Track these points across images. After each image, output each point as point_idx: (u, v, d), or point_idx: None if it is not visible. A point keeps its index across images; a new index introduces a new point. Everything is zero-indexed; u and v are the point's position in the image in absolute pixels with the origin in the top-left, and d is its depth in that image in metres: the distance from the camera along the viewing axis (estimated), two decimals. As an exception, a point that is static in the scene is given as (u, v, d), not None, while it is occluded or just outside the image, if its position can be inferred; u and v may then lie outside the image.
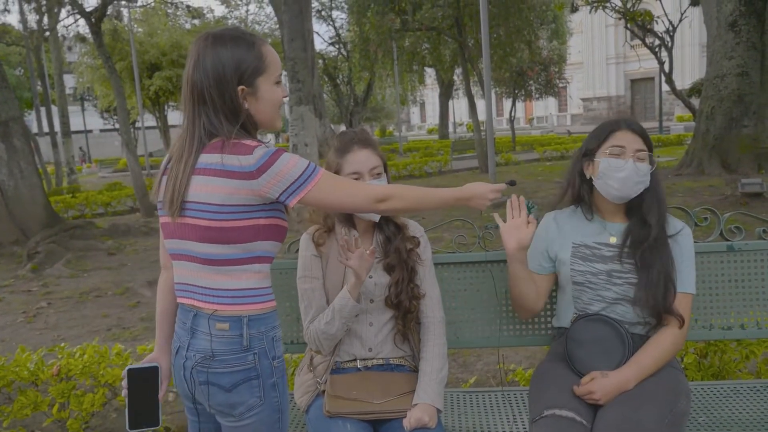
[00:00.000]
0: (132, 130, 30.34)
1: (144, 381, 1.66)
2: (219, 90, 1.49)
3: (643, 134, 1.96)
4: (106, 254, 8.64)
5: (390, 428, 1.91)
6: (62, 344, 3.19)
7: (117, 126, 38.78)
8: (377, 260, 2.06)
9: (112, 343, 3.16)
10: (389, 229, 2.09)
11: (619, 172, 1.91)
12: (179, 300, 1.62)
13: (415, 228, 2.16)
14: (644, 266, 1.91)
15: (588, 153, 2.01)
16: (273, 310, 1.59)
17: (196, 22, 31.21)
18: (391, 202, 1.56)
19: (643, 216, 1.96)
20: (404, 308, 2.04)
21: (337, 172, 2.01)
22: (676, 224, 2.00)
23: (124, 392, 1.65)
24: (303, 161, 1.49)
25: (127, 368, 1.65)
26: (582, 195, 2.05)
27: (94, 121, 43.67)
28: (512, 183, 1.90)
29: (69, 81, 29.76)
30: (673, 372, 1.95)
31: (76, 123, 29.76)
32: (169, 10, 29.55)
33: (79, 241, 8.99)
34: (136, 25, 26.38)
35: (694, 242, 2.29)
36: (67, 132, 20.62)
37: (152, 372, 1.67)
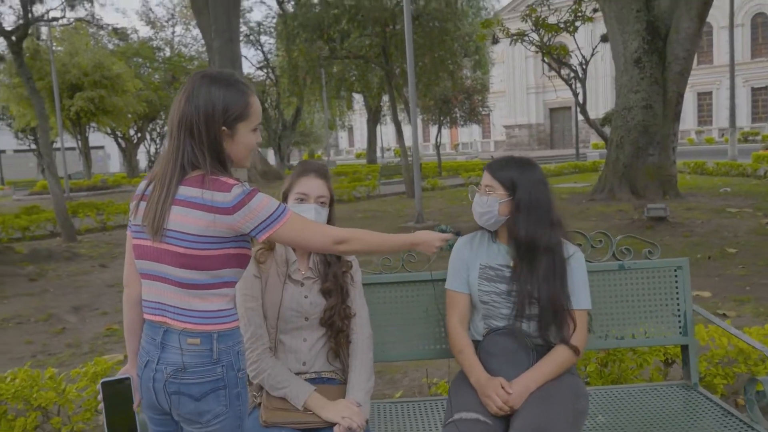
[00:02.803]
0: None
1: (118, 393, 1.76)
2: (206, 125, 1.64)
3: (498, 177, 2.24)
4: (27, 280, 8.36)
5: (322, 435, 2.09)
6: (-9, 370, 3.18)
7: (33, 147, 37.25)
8: (313, 280, 2.26)
9: (42, 368, 3.17)
10: (330, 255, 2.28)
11: (474, 206, 2.29)
12: (148, 317, 1.74)
13: (348, 252, 2.37)
14: (526, 291, 2.18)
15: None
16: (237, 328, 1.74)
17: (120, 43, 30.59)
18: (349, 245, 1.75)
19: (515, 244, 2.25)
20: (337, 328, 2.24)
21: (287, 190, 2.24)
22: (569, 249, 2.28)
23: (101, 406, 1.75)
24: (274, 202, 1.65)
25: (101, 381, 1.75)
26: None
27: (8, 140, 41.73)
28: (458, 234, 2.21)
29: (-18, 99, 28.37)
30: (572, 377, 2.24)
31: (-13, 142, 28.35)
32: (91, 30, 28.84)
33: (-4, 266, 8.68)
34: (55, 44, 25.59)
35: (590, 262, 2.61)
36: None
37: (125, 384, 1.77)
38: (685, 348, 2.66)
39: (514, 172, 2.23)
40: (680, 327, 2.63)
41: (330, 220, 2.27)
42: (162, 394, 1.68)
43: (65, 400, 2.94)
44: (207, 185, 1.61)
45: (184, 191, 1.63)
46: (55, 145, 26.43)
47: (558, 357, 2.18)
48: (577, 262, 2.27)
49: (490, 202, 2.22)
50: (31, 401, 2.94)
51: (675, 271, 2.65)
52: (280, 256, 2.26)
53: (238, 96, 1.68)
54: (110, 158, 52.18)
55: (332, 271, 2.25)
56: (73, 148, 34.98)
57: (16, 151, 47.34)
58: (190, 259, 1.63)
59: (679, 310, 2.63)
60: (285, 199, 2.25)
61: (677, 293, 2.64)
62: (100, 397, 1.76)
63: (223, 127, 1.66)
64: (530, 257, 2.19)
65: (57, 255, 9.82)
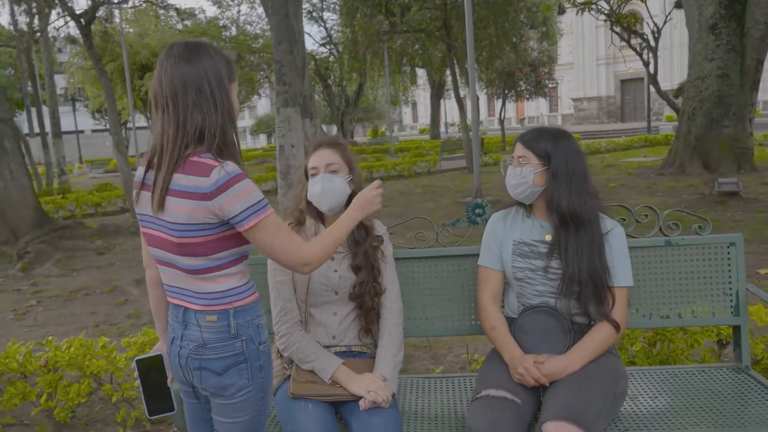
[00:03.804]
0: (124, 130, 30.35)
1: (152, 370, 1.82)
2: (218, 82, 1.61)
3: (532, 147, 2.17)
4: (95, 254, 8.77)
5: (349, 409, 2.08)
6: (50, 338, 3.34)
7: (108, 126, 38.80)
8: (343, 255, 2.24)
9: (98, 338, 3.31)
10: (359, 233, 2.25)
11: (508, 178, 2.22)
12: (169, 299, 1.77)
13: (379, 227, 2.34)
14: (566, 265, 2.10)
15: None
16: (256, 301, 1.73)
17: (188, 23, 31.28)
18: (313, 266, 1.70)
19: (552, 220, 2.16)
20: (367, 307, 2.22)
21: (305, 170, 2.24)
22: (607, 224, 2.17)
23: (137, 382, 1.81)
24: (258, 193, 1.59)
25: (135, 359, 1.80)
26: None
27: (86, 121, 43.60)
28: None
29: (60, 81, 29.74)
30: (612, 358, 2.15)
31: (67, 123, 29.75)
32: (160, 11, 29.60)
33: (68, 241, 9.12)
34: (126, 26, 26.43)
35: (635, 237, 2.49)
36: (57, 133, 20.64)
37: (158, 360, 1.82)
38: (737, 329, 2.51)
39: (547, 143, 2.15)
40: (732, 306, 2.48)
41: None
42: (187, 369, 1.71)
43: (115, 368, 3.06)
44: (188, 169, 1.56)
45: (174, 179, 1.58)
46: (129, 125, 27.41)
47: (599, 336, 2.10)
48: (616, 238, 2.17)
49: (524, 173, 2.15)
50: (84, 369, 3.07)
51: (728, 247, 2.50)
52: (309, 230, 2.25)
53: (225, 60, 1.67)
54: (179, 136, 53.63)
55: (362, 249, 2.23)
56: (145, 128, 36.23)
57: (93, 131, 49.52)
58: (185, 247, 1.61)
59: (731, 288, 2.48)
60: (306, 178, 2.25)
61: (729, 271, 2.49)
62: (136, 374, 1.80)
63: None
64: (573, 228, 2.11)
65: (124, 230, 10.24)
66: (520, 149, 2.20)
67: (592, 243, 2.11)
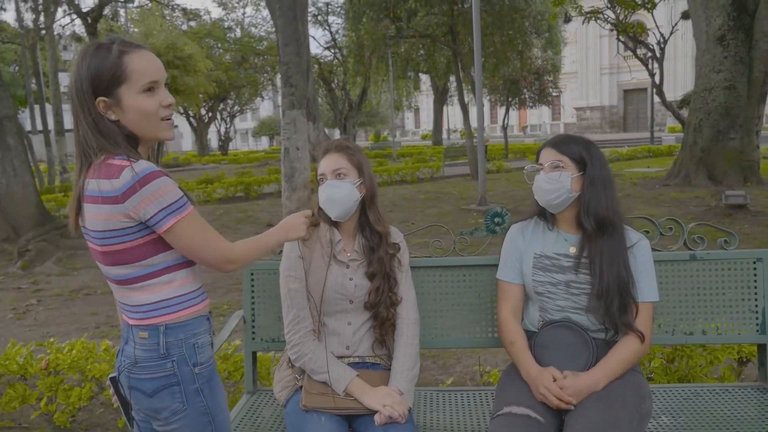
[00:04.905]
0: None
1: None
2: (80, 101, 1.49)
3: (566, 152, 2.09)
4: (97, 253, 8.68)
5: (363, 423, 2.01)
6: (51, 339, 3.27)
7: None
8: (358, 263, 2.17)
9: (100, 340, 3.23)
10: (373, 239, 2.18)
11: (537, 183, 2.13)
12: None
13: (395, 234, 2.27)
14: (597, 277, 2.02)
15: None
16: (195, 316, 1.60)
17: (193, 23, 31.31)
18: (236, 264, 1.60)
19: (588, 227, 2.07)
20: (382, 318, 2.15)
21: (316, 174, 2.16)
22: (632, 236, 2.10)
23: (114, 399, 1.72)
24: (178, 191, 1.49)
25: (108, 377, 1.72)
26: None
27: (88, 120, 43.51)
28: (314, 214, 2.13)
29: (64, 79, 29.60)
30: (636, 375, 2.08)
31: (69, 121, 29.62)
32: (165, 11, 29.63)
33: (70, 239, 9.02)
34: (132, 26, 26.42)
35: (659, 251, 2.42)
36: (60, 131, 20.55)
37: None
38: (762, 347, 2.44)
39: (580, 148, 2.08)
40: (758, 324, 2.41)
41: (371, 193, 2.17)
42: (122, 386, 1.63)
43: (117, 373, 2.99)
44: (99, 173, 1.47)
45: (87, 185, 1.50)
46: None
47: (624, 352, 2.02)
48: (642, 251, 2.09)
49: (562, 178, 2.05)
50: (86, 372, 3.00)
51: (754, 263, 2.43)
52: (324, 236, 2.17)
53: (105, 59, 1.49)
54: (183, 137, 53.66)
55: (377, 255, 2.16)
56: (148, 127, 36.02)
57: (96, 129, 49.42)
58: (110, 255, 1.52)
59: (756, 305, 2.41)
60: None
61: (756, 287, 2.41)
62: (111, 391, 1.72)
63: (102, 98, 1.49)
64: (606, 235, 2.03)
65: (126, 229, 10.13)
66: (552, 154, 2.10)
67: (619, 253, 2.04)
